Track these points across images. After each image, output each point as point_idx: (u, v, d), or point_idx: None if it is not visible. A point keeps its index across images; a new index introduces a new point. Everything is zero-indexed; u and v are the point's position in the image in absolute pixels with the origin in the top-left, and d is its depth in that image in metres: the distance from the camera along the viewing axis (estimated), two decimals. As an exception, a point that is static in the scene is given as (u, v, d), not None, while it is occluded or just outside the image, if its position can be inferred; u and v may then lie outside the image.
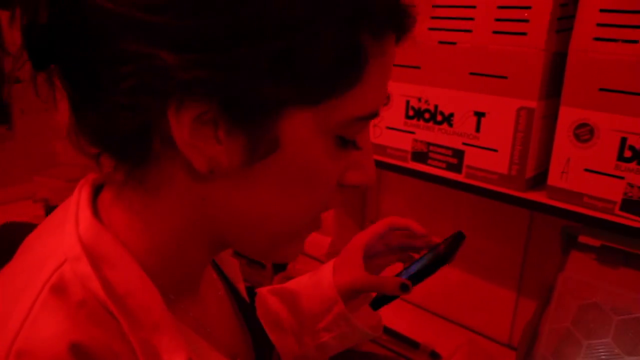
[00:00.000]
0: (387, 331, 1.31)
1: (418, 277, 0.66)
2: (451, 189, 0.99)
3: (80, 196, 0.44)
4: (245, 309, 0.61)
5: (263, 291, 0.76)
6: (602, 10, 0.75)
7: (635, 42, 0.73)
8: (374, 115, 0.41)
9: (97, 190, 0.45)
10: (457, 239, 0.68)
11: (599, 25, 0.76)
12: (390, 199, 1.39)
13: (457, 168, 0.95)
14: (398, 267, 0.74)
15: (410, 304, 1.39)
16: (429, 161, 0.99)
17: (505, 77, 0.85)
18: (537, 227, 1.14)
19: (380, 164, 1.07)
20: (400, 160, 1.03)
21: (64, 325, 0.36)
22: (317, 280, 0.73)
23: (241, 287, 0.63)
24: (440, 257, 0.66)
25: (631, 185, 0.77)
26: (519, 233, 1.17)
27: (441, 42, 0.91)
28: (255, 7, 0.33)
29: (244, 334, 0.58)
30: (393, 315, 1.33)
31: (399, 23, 0.41)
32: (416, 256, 0.73)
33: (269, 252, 0.46)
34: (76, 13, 0.35)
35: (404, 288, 0.65)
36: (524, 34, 0.82)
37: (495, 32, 0.85)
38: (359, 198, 1.43)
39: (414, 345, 1.25)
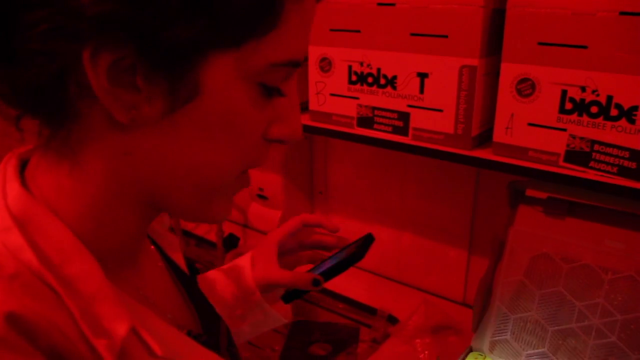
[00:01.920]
0: (344, 299, 1.32)
1: (330, 274, 0.72)
2: (398, 153, 0.99)
3: (7, 169, 0.43)
4: (187, 281, 0.61)
5: None
6: (537, -36, 0.76)
7: (570, -6, 0.74)
8: (295, 63, 0.42)
9: (25, 165, 0.44)
10: (367, 240, 0.74)
11: (534, -22, 0.77)
12: (337, 168, 1.39)
13: (403, 131, 0.95)
14: (309, 266, 0.80)
15: (364, 271, 1.41)
16: (375, 126, 0.99)
17: (445, 37, 0.85)
18: (483, 184, 1.17)
19: (326, 132, 1.06)
20: (346, 126, 1.03)
21: None
22: (236, 273, 0.76)
23: (179, 259, 0.63)
24: (352, 256, 0.71)
25: (573, 137, 0.79)
26: (467, 192, 1.19)
27: (380, 4, 0.91)
28: None
29: (187, 305, 0.58)
30: (348, 284, 1.34)
31: None
32: (327, 254, 0.79)
33: (198, 210, 0.45)
34: None
35: (316, 283, 0.70)
36: (462, -9, 0.82)
37: (434, -9, 0.85)
38: (307, 169, 1.43)
39: (371, 311, 1.27)
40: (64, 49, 0.35)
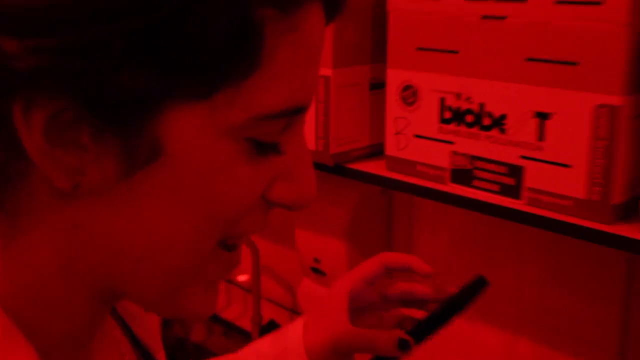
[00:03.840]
0: None
1: (422, 331, 0.72)
2: (512, 222, 1.02)
3: None
4: None
5: None
6: None
7: None
8: (294, 111, 0.45)
9: None
10: (477, 285, 0.75)
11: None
12: (427, 237, 1.43)
13: (514, 192, 0.99)
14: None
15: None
16: (475, 182, 1.03)
17: (575, 64, 0.89)
18: (639, 274, 1.17)
19: (407, 187, 1.11)
20: (435, 181, 1.07)
21: None
22: (282, 344, 0.78)
23: (158, 348, 0.68)
24: (452, 304, 0.72)
25: None
26: (613, 282, 1.19)
27: (485, 17, 0.96)
28: None
29: None
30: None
31: None
32: (420, 315, 0.78)
33: (169, 302, 0.50)
34: None
35: (403, 346, 0.70)
36: (597, 3, 0.86)
37: (559, 2, 0.89)
38: (383, 237, 1.47)
39: None
40: None
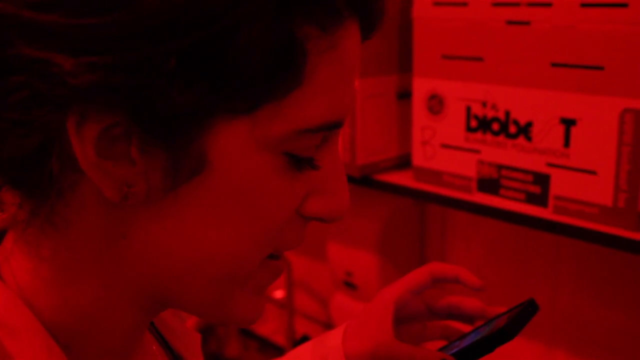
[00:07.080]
0: None
1: (466, 355, 0.70)
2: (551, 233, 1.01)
3: None
4: None
5: None
6: None
7: None
8: (331, 126, 0.47)
9: None
10: (526, 310, 0.72)
11: None
12: (460, 248, 1.42)
13: (540, 200, 0.98)
14: (441, 342, 0.79)
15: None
16: (502, 191, 1.02)
17: (601, 68, 0.89)
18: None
19: (434, 198, 1.10)
20: (462, 191, 1.07)
21: None
22: (321, 352, 0.77)
23: None
24: (501, 330, 0.69)
25: None
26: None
27: (510, 23, 0.96)
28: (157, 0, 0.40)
29: None
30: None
31: (356, 5, 0.46)
32: (467, 329, 0.77)
33: (215, 308, 0.51)
34: None
35: None
36: (624, 5, 0.85)
37: (584, 5, 0.89)
38: (415, 249, 1.46)
39: None
40: (45, 118, 0.42)
